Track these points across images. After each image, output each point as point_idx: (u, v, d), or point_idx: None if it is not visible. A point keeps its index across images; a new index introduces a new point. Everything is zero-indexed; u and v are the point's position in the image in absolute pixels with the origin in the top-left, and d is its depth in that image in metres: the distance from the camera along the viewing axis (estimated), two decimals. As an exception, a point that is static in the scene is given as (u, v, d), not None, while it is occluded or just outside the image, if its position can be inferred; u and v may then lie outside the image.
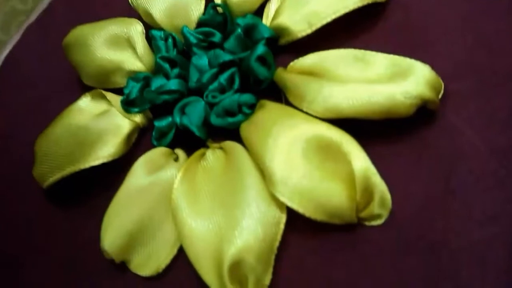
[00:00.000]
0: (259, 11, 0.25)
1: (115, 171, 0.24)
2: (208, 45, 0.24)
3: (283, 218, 0.19)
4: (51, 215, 0.24)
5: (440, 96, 0.20)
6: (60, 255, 0.23)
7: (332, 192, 0.18)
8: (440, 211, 0.18)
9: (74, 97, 0.27)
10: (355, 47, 0.22)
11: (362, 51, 0.21)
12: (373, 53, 0.21)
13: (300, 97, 0.20)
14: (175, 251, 0.21)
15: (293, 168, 0.18)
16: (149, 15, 0.26)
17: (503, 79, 0.20)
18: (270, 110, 0.21)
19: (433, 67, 0.20)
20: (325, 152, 0.19)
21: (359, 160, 0.18)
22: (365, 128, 0.20)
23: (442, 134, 0.20)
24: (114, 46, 0.26)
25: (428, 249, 0.18)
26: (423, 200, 0.19)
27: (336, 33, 0.23)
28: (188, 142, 0.23)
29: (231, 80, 0.22)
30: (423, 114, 0.20)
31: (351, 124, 0.19)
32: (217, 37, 0.24)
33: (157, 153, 0.23)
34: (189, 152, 0.23)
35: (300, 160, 0.19)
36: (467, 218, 0.18)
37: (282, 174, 0.18)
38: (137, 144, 0.25)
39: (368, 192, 0.18)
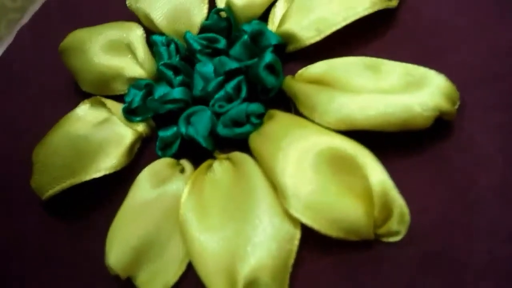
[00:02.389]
0: (264, 16, 0.24)
1: (116, 182, 0.23)
2: (213, 52, 0.23)
3: (298, 234, 0.18)
4: (49, 229, 0.23)
5: (456, 106, 0.19)
6: (60, 272, 0.22)
7: (348, 207, 0.17)
8: (460, 227, 0.18)
9: (71, 104, 0.26)
10: (365, 54, 0.22)
11: (373, 58, 0.21)
12: (385, 61, 0.21)
13: (311, 107, 0.19)
14: (183, 267, 0.20)
15: (306, 182, 0.18)
16: (149, 19, 0.25)
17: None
18: (280, 120, 0.20)
19: (447, 76, 0.20)
20: (339, 165, 0.18)
21: (376, 173, 0.18)
22: (378, 140, 0.19)
23: (459, 146, 0.19)
24: (113, 51, 0.25)
25: (449, 267, 0.17)
26: (442, 215, 0.18)
27: (345, 40, 0.23)
28: (193, 153, 0.22)
29: (238, 88, 0.22)
30: (439, 125, 0.19)
31: (364, 136, 0.19)
32: (221, 43, 0.23)
33: (162, 164, 0.22)
34: (194, 162, 0.22)
35: (312, 174, 0.18)
36: (489, 234, 0.17)
37: (295, 189, 0.18)
38: (139, 154, 0.24)
39: (386, 207, 0.18)
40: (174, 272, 0.20)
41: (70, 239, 0.23)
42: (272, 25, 0.24)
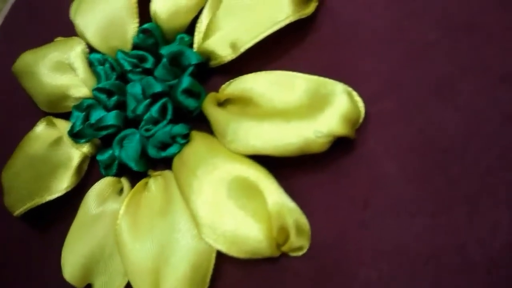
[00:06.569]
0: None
1: (76, 197, 0.25)
2: (143, 70, 0.24)
3: (214, 251, 0.20)
4: (19, 242, 0.27)
5: (357, 126, 0.20)
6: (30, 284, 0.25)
7: (251, 233, 0.19)
8: (354, 242, 0.19)
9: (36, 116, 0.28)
10: (285, 65, 0.22)
11: (288, 74, 0.21)
12: (298, 76, 0.21)
13: (221, 135, 0.21)
14: (126, 280, 0.23)
15: (218, 210, 0.19)
16: (85, 38, 0.26)
17: (425, 98, 0.20)
18: (196, 146, 0.21)
19: (357, 87, 0.20)
20: (247, 192, 0.20)
21: (273, 197, 0.19)
22: (286, 158, 0.20)
23: (360, 162, 0.20)
24: (59, 72, 0.26)
25: (342, 280, 0.19)
26: (340, 230, 0.19)
27: (268, 49, 0.23)
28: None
29: (163, 110, 0.23)
30: (345, 141, 0.20)
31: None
32: (149, 62, 0.24)
33: (104, 184, 0.24)
34: (138, 177, 0.24)
35: (224, 202, 0.20)
36: (377, 250, 0.18)
37: (207, 217, 0.20)
38: (92, 168, 0.26)
39: (283, 228, 0.19)
40: (118, 284, 0.23)
41: (39, 252, 0.26)
42: (199, 35, 0.24)
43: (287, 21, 0.21)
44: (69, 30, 0.28)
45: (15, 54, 0.32)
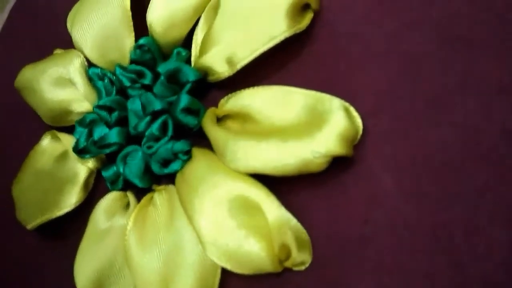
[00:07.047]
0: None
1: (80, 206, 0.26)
2: (142, 86, 0.24)
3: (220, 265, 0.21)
4: (34, 251, 0.28)
5: (356, 142, 0.20)
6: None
7: (253, 250, 0.20)
8: (354, 256, 0.19)
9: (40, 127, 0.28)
10: (282, 78, 0.22)
11: (286, 89, 0.21)
12: (296, 92, 0.21)
13: (221, 154, 0.21)
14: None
15: (219, 229, 0.20)
16: (82, 52, 0.26)
17: (422, 111, 0.20)
18: (198, 163, 0.22)
19: (355, 101, 0.20)
20: (247, 210, 0.20)
21: (273, 215, 0.20)
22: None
23: (359, 178, 0.20)
24: (60, 87, 0.26)
25: (344, 291, 0.20)
26: (340, 245, 0.20)
27: (265, 61, 0.22)
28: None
29: (164, 127, 0.23)
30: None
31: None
32: (147, 78, 0.24)
33: (111, 199, 0.25)
34: (143, 190, 0.25)
35: (225, 221, 0.20)
36: (377, 266, 0.19)
37: (210, 235, 0.20)
38: (98, 181, 0.27)
39: (285, 245, 0.20)
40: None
41: (50, 264, 0.27)
42: (196, 48, 0.24)
43: (283, 37, 0.21)
44: (69, 36, 0.28)
45: (14, 59, 0.33)
